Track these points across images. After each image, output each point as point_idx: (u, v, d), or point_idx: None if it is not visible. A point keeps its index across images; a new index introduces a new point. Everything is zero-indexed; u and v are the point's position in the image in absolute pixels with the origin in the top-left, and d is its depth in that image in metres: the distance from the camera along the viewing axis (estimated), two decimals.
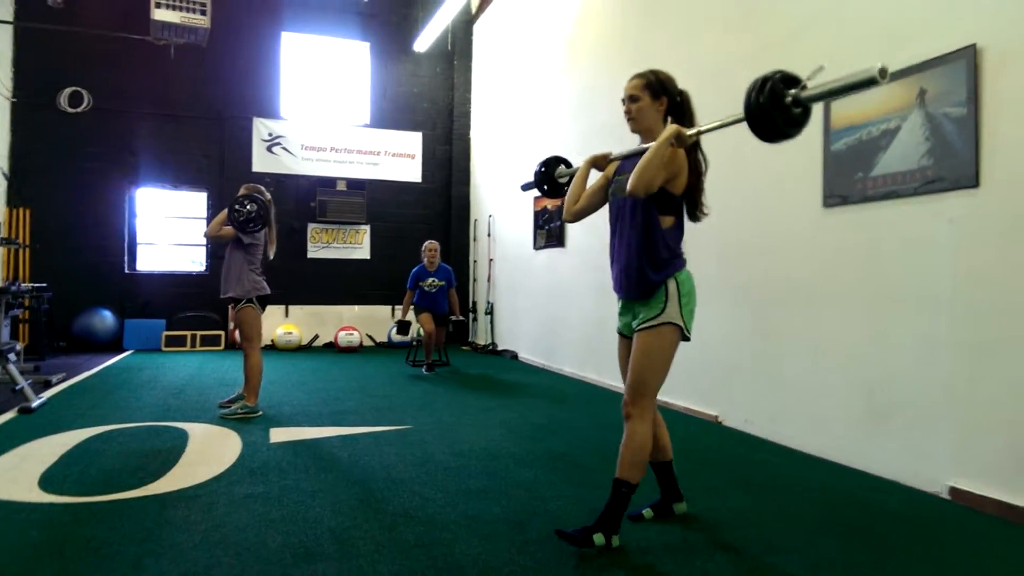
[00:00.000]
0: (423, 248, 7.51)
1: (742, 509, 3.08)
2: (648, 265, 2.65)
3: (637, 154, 2.74)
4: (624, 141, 6.33)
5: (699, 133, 2.56)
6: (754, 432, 4.53)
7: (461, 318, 8.15)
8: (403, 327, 7.50)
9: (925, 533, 2.84)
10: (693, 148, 2.66)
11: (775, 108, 2.19)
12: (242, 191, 4.96)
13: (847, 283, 3.88)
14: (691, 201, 2.71)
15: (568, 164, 3.48)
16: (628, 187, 2.54)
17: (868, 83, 2.00)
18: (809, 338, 4.14)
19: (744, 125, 2.29)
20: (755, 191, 4.62)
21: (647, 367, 2.61)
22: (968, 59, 3.16)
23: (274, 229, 5.12)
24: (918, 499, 3.28)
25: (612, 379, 6.47)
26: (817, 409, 4.07)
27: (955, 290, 3.26)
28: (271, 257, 5.12)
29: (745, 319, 4.69)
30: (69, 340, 8.94)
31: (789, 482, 3.52)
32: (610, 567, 2.43)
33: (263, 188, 5.06)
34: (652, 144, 2.56)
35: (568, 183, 3.42)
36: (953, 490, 3.23)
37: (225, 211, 4.87)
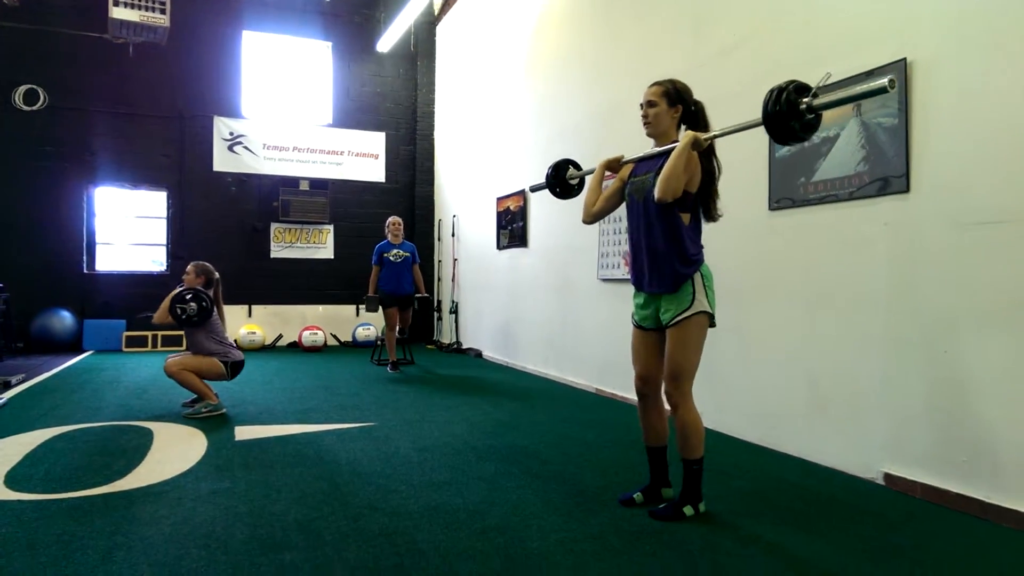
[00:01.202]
0: (387, 223, 7.53)
1: None
2: (678, 260, 2.86)
3: (651, 157, 2.97)
4: (587, 144, 6.52)
5: (714, 137, 2.80)
6: (706, 425, 4.71)
7: (427, 295, 8.18)
8: (372, 303, 7.49)
9: (857, 516, 3.03)
10: (709, 153, 2.89)
11: (792, 115, 2.44)
12: (189, 271, 5.07)
13: (790, 281, 4.09)
14: (707, 202, 2.92)
15: (578, 166, 3.65)
16: (657, 194, 2.77)
17: (878, 91, 2.24)
18: (754, 333, 4.35)
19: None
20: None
21: (686, 356, 2.86)
22: (899, 72, 3.38)
23: (222, 307, 5.24)
24: (853, 484, 3.49)
25: (572, 376, 6.64)
26: (761, 400, 4.28)
27: (889, 288, 3.47)
28: (224, 331, 5.23)
29: None
30: (27, 341, 8.82)
31: (733, 471, 3.71)
32: (563, 552, 2.57)
33: (210, 267, 5.18)
34: (669, 148, 2.82)
35: (579, 185, 3.65)
36: (887, 476, 3.45)
37: (169, 300, 4.95)
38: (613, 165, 3.19)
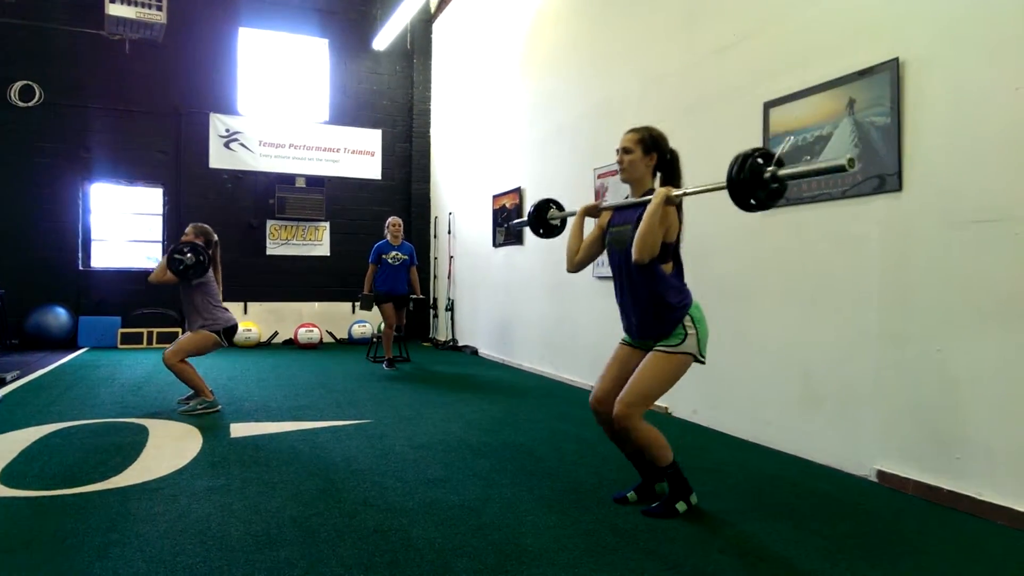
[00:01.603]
0: (387, 224, 7.54)
1: None
2: (664, 312, 2.89)
3: (629, 207, 3.02)
4: (582, 141, 6.54)
5: (685, 195, 2.83)
6: (699, 422, 4.75)
7: (422, 296, 8.21)
8: (366, 301, 7.51)
9: (850, 513, 3.06)
10: (677, 206, 2.91)
11: (756, 184, 2.47)
12: (188, 231, 5.05)
13: (784, 279, 4.11)
14: (676, 251, 2.97)
15: (560, 207, 3.72)
16: (634, 257, 2.78)
17: (837, 170, 2.28)
18: (749, 331, 4.37)
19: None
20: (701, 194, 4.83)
21: (653, 385, 2.86)
22: (892, 71, 3.40)
23: (220, 270, 5.22)
24: (846, 481, 3.51)
25: (568, 373, 6.66)
26: (755, 399, 4.30)
27: (882, 286, 3.50)
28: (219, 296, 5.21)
29: None
30: (22, 338, 8.81)
31: (727, 468, 3.73)
32: (558, 549, 2.59)
33: (208, 229, 5.15)
34: (645, 201, 2.85)
35: (560, 225, 3.72)
36: (880, 473, 3.47)
37: (166, 256, 4.93)
38: (591, 212, 3.23)
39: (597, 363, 6.01)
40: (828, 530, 2.83)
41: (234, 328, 5.12)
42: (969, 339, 3.09)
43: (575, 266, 3.27)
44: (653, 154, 2.98)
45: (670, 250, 2.90)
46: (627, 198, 3.08)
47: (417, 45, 11.12)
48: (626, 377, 2.96)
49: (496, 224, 8.47)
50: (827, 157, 3.77)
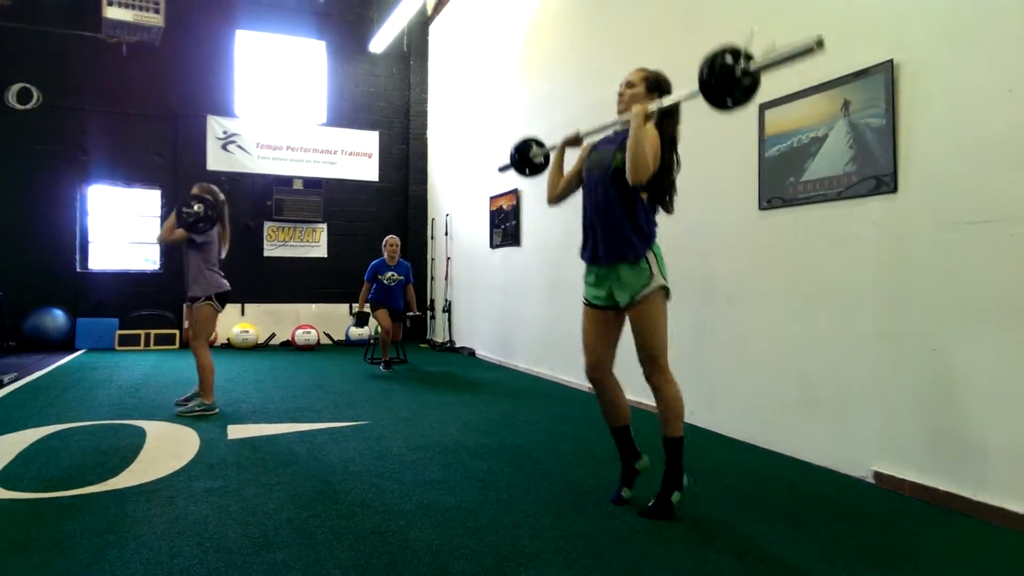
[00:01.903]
0: (384, 242, 7.57)
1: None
2: (635, 233, 2.89)
3: (607, 128, 3.04)
4: (577, 148, 6.53)
5: (661, 108, 2.80)
6: (696, 423, 4.75)
7: (418, 314, 8.24)
8: (362, 319, 7.54)
9: (847, 514, 3.06)
10: (671, 147, 2.90)
11: (728, 82, 2.44)
12: (194, 190, 5.02)
13: (780, 280, 4.12)
14: (664, 194, 2.95)
15: (541, 144, 3.68)
16: (630, 179, 2.76)
17: (807, 52, 2.24)
18: (746, 333, 4.38)
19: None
20: (696, 194, 4.83)
21: (657, 334, 2.90)
22: (886, 73, 3.41)
23: (227, 228, 5.18)
24: (843, 483, 3.52)
25: (565, 374, 6.66)
26: (752, 400, 4.31)
27: (878, 287, 3.51)
28: (223, 256, 5.17)
29: (687, 314, 4.91)
30: (19, 340, 8.80)
31: (724, 469, 3.74)
32: (554, 551, 2.59)
33: (215, 188, 5.12)
34: (623, 119, 2.87)
35: (544, 163, 3.66)
36: (877, 474, 3.48)
37: (174, 214, 4.91)
38: (572, 141, 3.24)
39: None
40: (825, 531, 2.84)
41: (227, 293, 5.09)
42: (965, 339, 3.10)
43: (556, 197, 3.28)
44: (655, 95, 2.95)
45: (651, 178, 2.86)
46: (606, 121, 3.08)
47: (414, 47, 11.13)
48: (609, 337, 3.01)
49: (493, 225, 8.48)
50: (823, 156, 3.78)
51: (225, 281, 5.08)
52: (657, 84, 2.98)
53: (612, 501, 3.11)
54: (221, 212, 5.06)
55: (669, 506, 2.93)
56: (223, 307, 5.07)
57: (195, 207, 4.85)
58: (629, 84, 3.00)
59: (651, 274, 2.87)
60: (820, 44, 2.19)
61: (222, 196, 5.11)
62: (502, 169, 3.92)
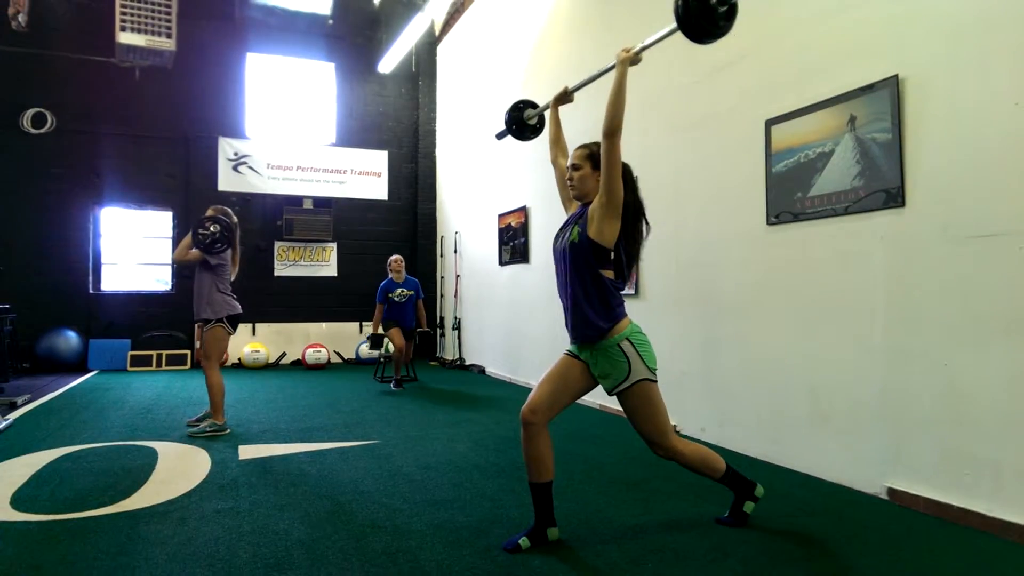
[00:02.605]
0: (388, 263, 7.63)
1: (691, 513, 3.26)
2: (593, 310, 2.79)
3: (592, 80, 3.15)
4: None
5: (643, 48, 2.81)
6: (707, 439, 4.73)
7: (428, 330, 8.25)
8: (376, 341, 7.59)
9: (861, 531, 3.04)
10: (637, 216, 2.86)
11: (706, 14, 2.44)
12: (208, 212, 5.08)
13: (789, 295, 4.11)
14: (626, 260, 2.87)
15: (535, 105, 3.68)
16: (605, 126, 2.68)
17: None
18: (755, 349, 4.36)
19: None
20: (705, 210, 4.86)
21: (654, 419, 2.84)
22: (892, 88, 3.42)
23: (238, 251, 5.25)
24: (857, 499, 3.49)
25: None
26: (763, 416, 4.29)
27: (888, 301, 3.49)
28: (232, 278, 5.23)
29: (697, 330, 4.91)
30: (33, 361, 8.86)
31: None
32: (567, 572, 2.58)
33: (229, 210, 5.19)
34: (606, 69, 2.92)
35: (539, 123, 3.68)
36: (890, 490, 3.45)
37: (189, 234, 4.98)
38: (562, 99, 3.31)
39: None
40: (839, 549, 2.81)
41: (238, 316, 5.14)
42: (975, 354, 3.08)
43: (557, 159, 3.28)
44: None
45: (610, 259, 2.80)
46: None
47: (422, 67, 11.23)
48: (567, 389, 2.86)
49: (502, 243, 8.51)
50: (830, 171, 3.79)
51: (237, 303, 5.12)
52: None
53: (505, 549, 2.76)
54: (234, 234, 5.12)
55: (743, 515, 3.06)
56: (235, 330, 5.12)
57: (211, 228, 4.94)
58: (574, 167, 2.92)
59: (629, 367, 2.75)
60: None
61: (235, 219, 5.18)
62: (499, 136, 3.89)
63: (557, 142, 3.30)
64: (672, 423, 5.07)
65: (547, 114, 3.42)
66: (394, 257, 7.65)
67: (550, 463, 2.83)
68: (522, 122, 3.66)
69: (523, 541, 2.78)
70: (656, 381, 2.84)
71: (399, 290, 7.50)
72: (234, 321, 5.09)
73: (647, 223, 2.92)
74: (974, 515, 3.04)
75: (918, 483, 3.32)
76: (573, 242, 2.84)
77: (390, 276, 7.58)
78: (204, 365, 5.03)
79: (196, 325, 5.34)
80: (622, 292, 2.89)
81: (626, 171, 2.82)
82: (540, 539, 2.81)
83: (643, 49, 2.79)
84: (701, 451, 2.97)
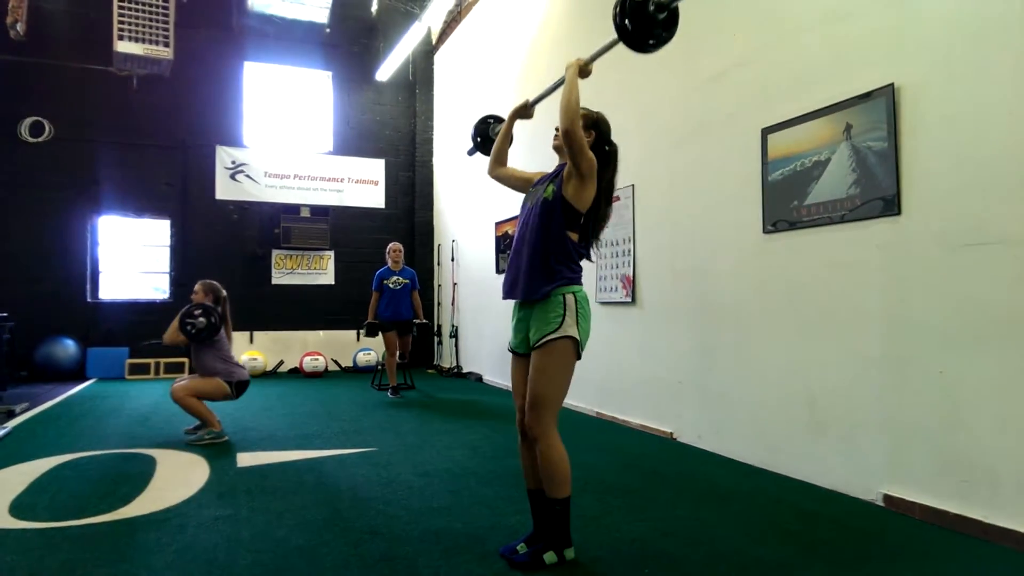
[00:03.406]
0: (387, 250, 7.63)
1: (688, 520, 3.27)
2: (552, 266, 2.68)
3: (551, 91, 3.02)
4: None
5: (591, 60, 2.74)
6: (705, 447, 4.75)
7: (425, 321, 8.22)
8: (372, 329, 7.55)
9: (857, 538, 3.05)
10: (608, 166, 2.76)
11: (645, 23, 2.39)
12: (197, 289, 5.16)
13: (786, 303, 4.13)
14: (590, 233, 2.76)
15: (501, 119, 3.60)
16: (560, 125, 2.61)
17: None
18: (752, 356, 4.38)
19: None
20: (702, 219, 4.88)
21: (547, 383, 2.64)
22: (888, 97, 3.45)
23: (230, 322, 5.31)
24: (853, 506, 3.50)
25: (572, 400, 6.64)
26: (760, 424, 4.30)
27: (884, 309, 3.52)
28: (230, 348, 5.30)
29: (694, 338, 4.93)
30: (31, 369, 8.85)
31: (732, 493, 3.73)
32: (561, 574, 2.59)
33: (217, 285, 5.25)
34: (558, 82, 2.78)
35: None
36: (887, 497, 3.46)
37: (178, 319, 5.02)
38: (521, 112, 3.13)
39: (602, 388, 6.04)
40: (835, 555, 2.82)
41: (246, 383, 5.21)
42: (970, 361, 3.10)
43: (495, 172, 3.15)
44: (591, 132, 2.80)
45: (578, 219, 2.70)
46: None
47: (419, 76, 11.28)
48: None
49: (499, 251, 8.53)
50: (826, 180, 3.82)
51: (244, 371, 5.23)
52: (595, 122, 2.84)
53: (502, 554, 2.76)
54: (224, 312, 5.20)
55: (540, 562, 2.63)
56: (237, 396, 5.19)
57: (199, 319, 4.98)
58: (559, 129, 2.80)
59: (562, 320, 2.62)
60: None
61: (223, 293, 5.26)
62: (470, 152, 3.88)
63: (499, 157, 3.14)
64: (669, 431, 5.12)
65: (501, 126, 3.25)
66: (393, 244, 7.66)
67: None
68: (488, 137, 3.58)
69: (521, 547, 2.75)
70: (579, 355, 2.69)
71: (395, 277, 7.48)
72: (240, 388, 5.18)
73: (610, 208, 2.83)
74: (971, 522, 3.05)
75: (915, 490, 3.34)
76: (546, 199, 2.73)
77: (387, 264, 7.59)
78: (174, 391, 4.96)
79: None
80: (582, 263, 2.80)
81: (612, 152, 2.82)
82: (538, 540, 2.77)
83: (591, 60, 2.73)
84: (565, 463, 2.67)
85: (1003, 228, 2.97)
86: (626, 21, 2.35)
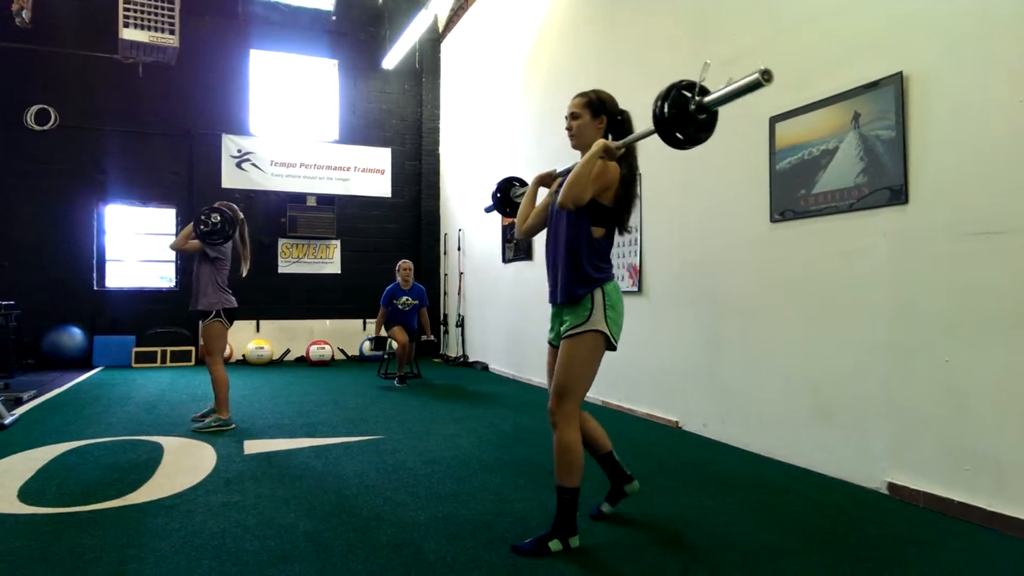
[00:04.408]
0: (398, 267, 7.66)
1: (692, 507, 3.28)
2: (577, 276, 2.74)
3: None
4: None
5: (623, 145, 2.70)
6: (710, 435, 4.75)
7: (432, 338, 8.28)
8: (379, 343, 7.65)
9: (862, 526, 3.05)
10: (626, 156, 2.77)
11: (682, 118, 2.39)
12: (215, 205, 5.10)
13: (792, 292, 4.13)
14: (621, 213, 2.78)
15: (524, 183, 3.65)
16: (559, 200, 2.65)
17: (754, 86, 2.18)
18: (758, 345, 4.38)
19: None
20: (709, 209, 4.87)
21: (572, 373, 2.71)
22: (896, 85, 3.43)
23: (248, 246, 5.27)
24: (858, 494, 3.51)
25: None
26: (765, 412, 4.30)
27: (890, 298, 3.51)
28: (244, 274, 5.26)
29: (700, 328, 4.92)
30: (38, 357, 8.90)
31: (737, 481, 3.74)
32: (568, 563, 2.60)
33: (234, 206, 5.19)
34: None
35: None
36: (891, 485, 3.46)
37: (191, 224, 5.00)
38: (545, 180, 3.11)
39: (608, 377, 6.05)
40: (840, 543, 2.83)
41: (234, 310, 5.14)
42: (976, 350, 3.09)
43: (523, 233, 3.12)
44: (602, 116, 2.85)
45: (604, 214, 2.75)
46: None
47: (426, 64, 11.24)
48: None
49: (505, 240, 8.52)
50: (834, 169, 3.80)
51: (232, 298, 5.14)
52: (601, 104, 2.87)
53: (591, 516, 3.06)
54: (241, 229, 5.16)
55: (545, 549, 2.67)
56: (231, 323, 5.14)
57: (213, 218, 4.94)
58: (573, 116, 2.88)
59: (590, 314, 2.70)
60: (766, 76, 2.12)
61: (241, 215, 5.19)
62: (487, 210, 3.88)
63: (525, 218, 3.07)
64: (674, 419, 5.13)
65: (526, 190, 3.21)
66: (403, 262, 7.69)
67: (602, 438, 3.10)
68: (509, 198, 3.61)
69: (605, 507, 3.10)
70: (612, 345, 2.75)
71: (404, 298, 7.55)
72: (230, 315, 5.11)
73: (635, 163, 2.84)
74: (975, 510, 3.06)
75: (919, 478, 3.34)
76: None
77: (397, 281, 7.61)
78: (208, 361, 5.05)
79: (200, 322, 5.32)
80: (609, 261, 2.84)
81: (626, 119, 2.88)
82: (618, 495, 3.13)
83: (621, 145, 2.70)
84: (579, 453, 2.72)
85: (1011, 217, 2.96)
86: (666, 113, 2.38)
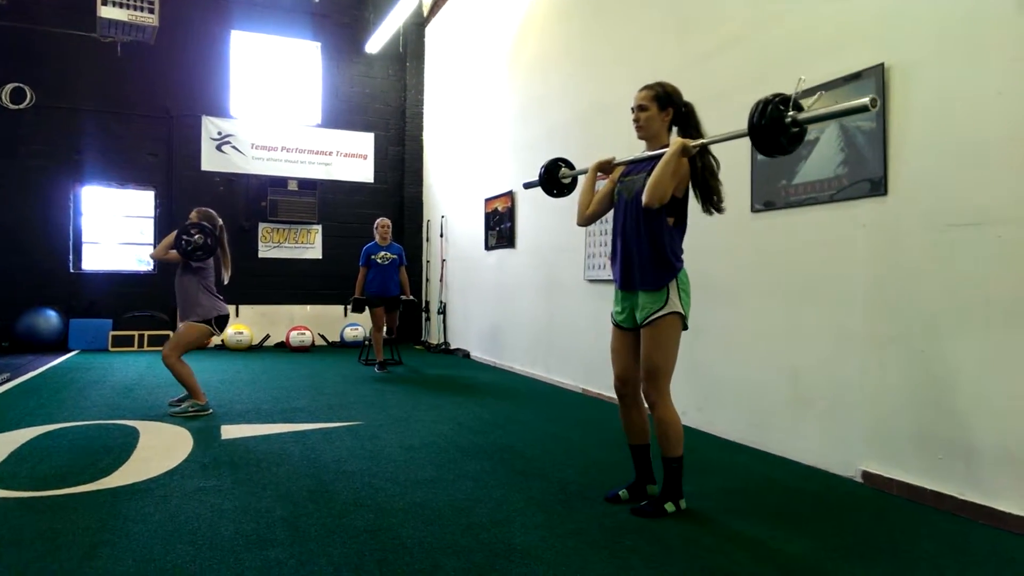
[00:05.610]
0: (376, 225, 7.56)
1: None
2: (660, 262, 2.93)
3: (642, 160, 3.02)
4: (573, 143, 6.58)
5: (702, 144, 2.84)
6: (689, 423, 4.77)
7: (413, 298, 8.20)
8: (358, 305, 7.51)
9: (835, 513, 3.09)
10: (703, 153, 2.93)
11: (777, 129, 2.47)
12: (193, 216, 5.03)
13: (771, 282, 4.15)
14: (708, 196, 2.97)
15: (571, 166, 3.70)
16: (644, 199, 2.83)
17: (860, 109, 2.25)
18: (737, 333, 4.40)
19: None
20: (690, 199, 4.86)
21: (662, 355, 2.92)
22: (877, 76, 3.44)
23: (228, 253, 5.23)
24: (832, 482, 3.55)
25: (559, 376, 6.68)
26: (744, 400, 4.33)
27: (868, 289, 3.54)
28: (225, 281, 5.24)
29: None
30: (12, 340, 8.78)
31: (714, 468, 3.77)
32: (543, 545, 2.61)
33: (213, 213, 5.15)
34: (660, 153, 2.86)
35: (572, 183, 3.70)
36: (865, 474, 3.50)
37: (173, 235, 4.93)
38: (605, 167, 3.23)
39: (588, 366, 6.07)
40: (814, 529, 2.86)
41: (226, 317, 5.12)
42: (952, 340, 3.13)
43: (586, 219, 3.27)
44: (669, 109, 2.99)
45: (676, 204, 2.94)
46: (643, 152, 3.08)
47: (410, 49, 11.14)
48: (636, 354, 3.04)
49: (488, 227, 8.50)
50: (814, 160, 3.81)
51: (224, 304, 5.11)
52: (667, 97, 2.99)
53: (607, 499, 3.15)
54: (220, 238, 5.10)
55: (662, 511, 2.96)
56: (221, 331, 5.09)
57: (195, 236, 4.88)
58: (641, 108, 3.01)
59: (667, 299, 2.91)
60: (874, 103, 2.21)
61: (220, 221, 5.16)
62: (527, 185, 3.95)
63: (586, 206, 3.25)
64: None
65: (582, 178, 3.42)
66: (381, 220, 7.59)
67: (644, 430, 3.16)
68: (556, 179, 3.68)
69: (622, 493, 3.15)
70: (686, 326, 2.98)
71: (383, 253, 7.44)
72: (221, 323, 5.08)
73: (715, 157, 2.99)
74: (947, 498, 3.10)
75: (893, 467, 3.38)
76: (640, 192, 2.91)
77: (375, 239, 7.54)
78: (165, 355, 4.89)
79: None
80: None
81: (690, 111, 3.01)
82: (638, 490, 3.16)
83: (702, 144, 2.85)
84: (679, 425, 2.99)
85: (988, 208, 2.98)
86: (763, 121, 2.47)
